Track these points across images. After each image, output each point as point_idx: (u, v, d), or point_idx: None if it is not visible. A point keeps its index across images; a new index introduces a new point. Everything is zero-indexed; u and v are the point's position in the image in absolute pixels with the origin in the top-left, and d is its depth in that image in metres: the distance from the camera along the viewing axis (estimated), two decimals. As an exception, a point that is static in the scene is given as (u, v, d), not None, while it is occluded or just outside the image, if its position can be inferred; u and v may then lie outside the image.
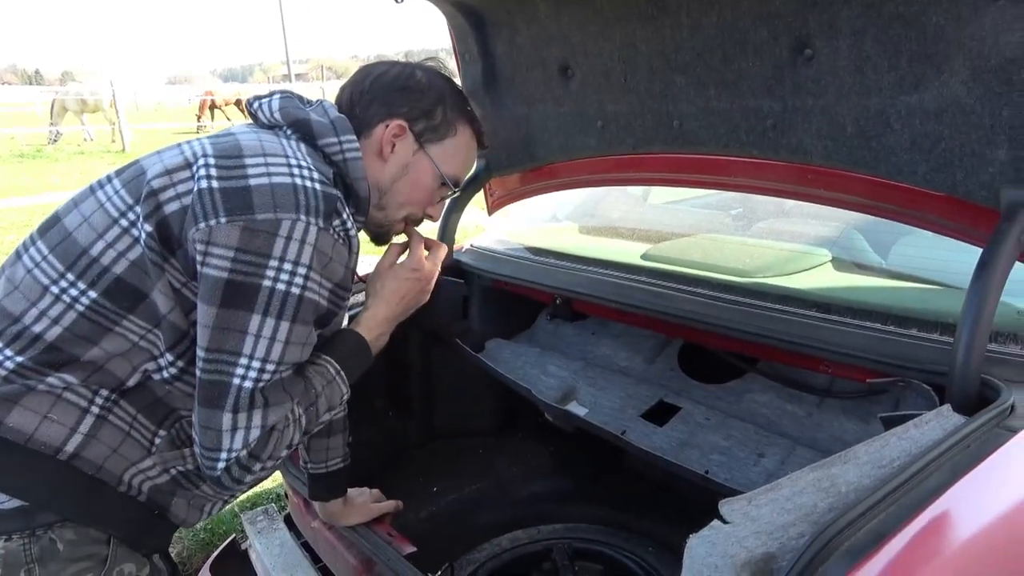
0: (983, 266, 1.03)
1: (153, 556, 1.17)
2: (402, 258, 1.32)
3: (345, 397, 1.17)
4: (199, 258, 0.98)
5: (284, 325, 1.00)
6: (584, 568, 1.70)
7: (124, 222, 1.03)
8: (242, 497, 2.91)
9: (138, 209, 1.02)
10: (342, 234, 1.08)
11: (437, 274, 1.34)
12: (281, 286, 0.98)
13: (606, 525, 1.89)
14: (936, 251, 1.58)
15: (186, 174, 1.02)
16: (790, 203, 2.10)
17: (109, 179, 1.09)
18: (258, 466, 1.05)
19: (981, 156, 1.07)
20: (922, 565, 0.82)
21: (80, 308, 1.02)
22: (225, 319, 0.97)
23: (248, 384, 0.99)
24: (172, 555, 1.23)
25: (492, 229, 2.28)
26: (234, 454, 1.01)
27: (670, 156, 1.59)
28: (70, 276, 1.03)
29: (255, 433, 1.01)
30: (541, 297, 1.93)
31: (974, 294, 1.02)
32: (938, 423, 1.00)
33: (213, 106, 19.77)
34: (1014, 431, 0.98)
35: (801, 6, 1.18)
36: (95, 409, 1.04)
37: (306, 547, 1.84)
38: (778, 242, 1.98)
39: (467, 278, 2.08)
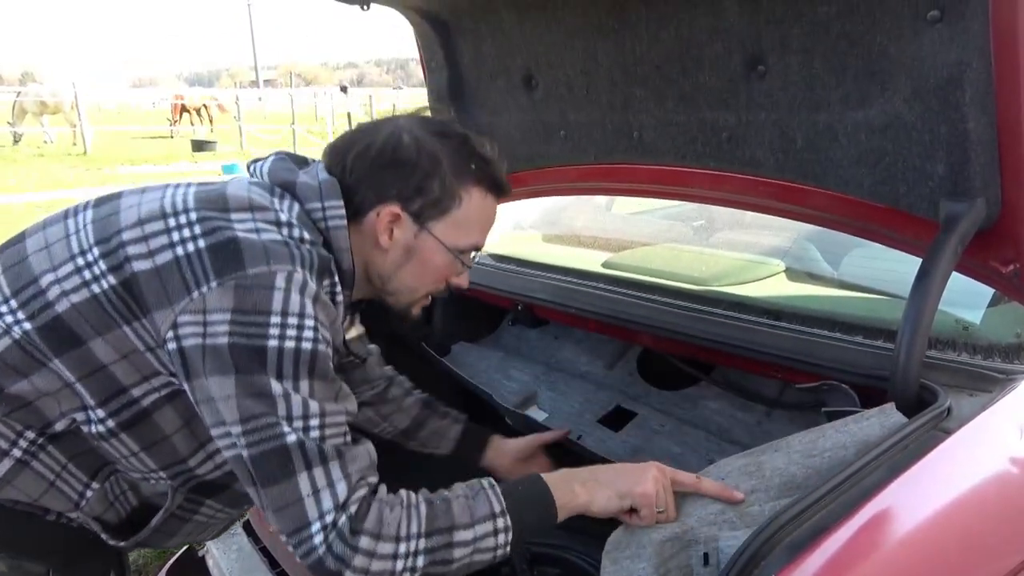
0: (923, 275, 1.08)
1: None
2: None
3: (499, 527, 0.98)
4: (199, 330, 0.87)
5: (304, 384, 0.88)
6: (543, 572, 1.72)
7: (80, 261, 0.94)
8: (200, 504, 2.87)
9: (96, 251, 0.93)
10: (331, 297, 0.99)
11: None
12: (289, 343, 0.87)
13: (564, 530, 1.90)
14: (883, 262, 1.64)
15: (159, 227, 0.93)
16: (750, 215, 2.15)
17: (86, 207, 1.01)
18: (365, 541, 0.86)
19: (921, 170, 1.12)
20: (860, 559, 0.85)
21: (15, 336, 0.94)
22: (245, 385, 0.86)
23: (305, 438, 0.87)
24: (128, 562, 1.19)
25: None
26: (328, 518, 0.85)
27: (632, 167, 1.63)
28: (13, 302, 0.95)
29: (343, 488, 0.87)
30: (504, 303, 1.96)
31: (914, 301, 1.07)
32: (879, 420, 1.04)
33: (184, 110, 19.60)
34: (949, 433, 1.03)
35: (754, 24, 1.23)
36: (16, 452, 0.95)
37: (264, 552, 1.83)
38: (736, 252, 2.03)
39: (431, 284, 2.09)
